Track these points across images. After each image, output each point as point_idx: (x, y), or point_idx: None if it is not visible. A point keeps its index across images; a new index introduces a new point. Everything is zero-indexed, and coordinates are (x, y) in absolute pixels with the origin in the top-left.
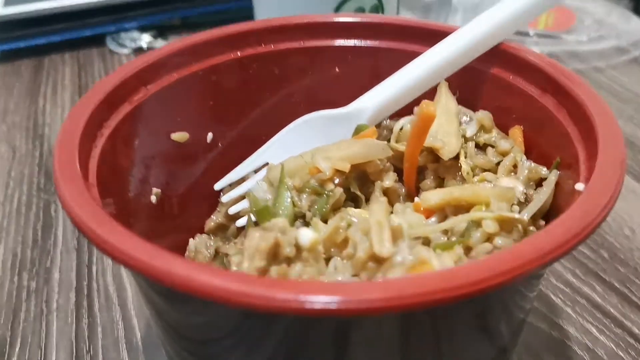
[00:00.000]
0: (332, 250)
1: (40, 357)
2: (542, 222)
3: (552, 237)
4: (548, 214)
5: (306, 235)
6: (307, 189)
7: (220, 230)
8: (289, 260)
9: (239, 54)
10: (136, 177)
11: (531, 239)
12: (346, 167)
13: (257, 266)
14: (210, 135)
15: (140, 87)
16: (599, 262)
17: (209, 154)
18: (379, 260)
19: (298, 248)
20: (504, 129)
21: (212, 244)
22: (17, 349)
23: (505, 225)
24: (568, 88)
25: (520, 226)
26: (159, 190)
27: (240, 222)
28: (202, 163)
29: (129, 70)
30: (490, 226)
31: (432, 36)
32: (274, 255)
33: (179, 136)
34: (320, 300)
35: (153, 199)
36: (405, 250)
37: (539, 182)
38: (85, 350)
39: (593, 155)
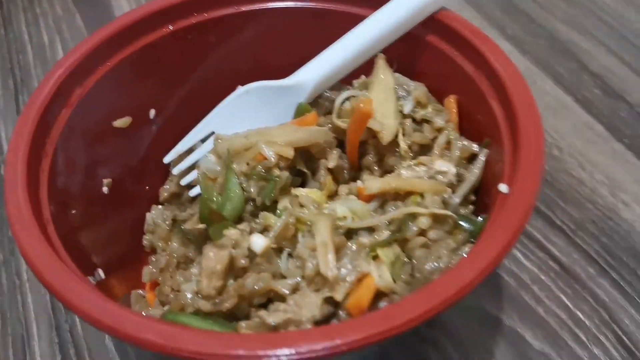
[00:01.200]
0: (283, 242)
1: (22, 330)
2: (473, 197)
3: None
4: (479, 187)
5: (258, 243)
6: (254, 175)
7: (175, 198)
8: (244, 270)
9: (171, 27)
10: (86, 177)
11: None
12: (290, 154)
13: (215, 285)
14: (152, 112)
15: (75, 88)
16: None
17: (154, 129)
18: (325, 277)
19: (251, 253)
20: (441, 96)
21: (168, 214)
22: None
23: (438, 219)
24: (496, 69)
25: (451, 221)
26: (110, 180)
27: (193, 191)
28: (148, 140)
29: (60, 74)
30: (424, 223)
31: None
32: (230, 269)
33: (122, 122)
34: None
35: (105, 189)
36: (348, 267)
37: (471, 157)
38: (64, 320)
39: (516, 146)
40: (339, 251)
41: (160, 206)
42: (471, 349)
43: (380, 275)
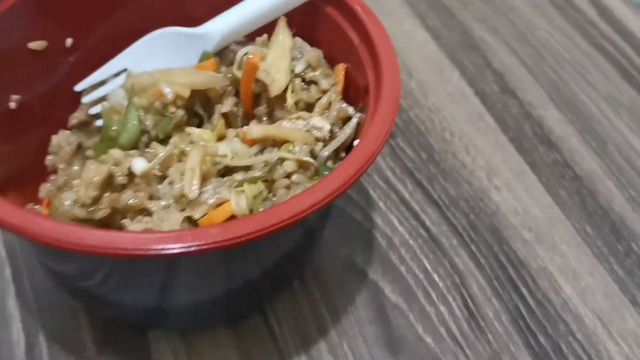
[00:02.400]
0: (167, 171)
1: None
2: (344, 154)
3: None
4: (349, 146)
5: (139, 165)
6: (152, 110)
7: (83, 127)
8: (123, 186)
9: None
10: None
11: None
12: (186, 93)
13: (91, 195)
14: (69, 41)
15: None
16: (416, 162)
17: (70, 58)
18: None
19: (132, 175)
20: (334, 63)
21: (73, 139)
22: None
23: (303, 166)
24: (375, 44)
25: (313, 168)
26: (19, 97)
27: (100, 122)
28: (63, 67)
29: None
30: (290, 166)
31: None
32: (108, 183)
33: (37, 45)
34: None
35: (13, 105)
36: (211, 191)
37: (347, 119)
38: None
39: (375, 111)
40: (206, 179)
41: (67, 131)
42: (334, 291)
43: (237, 203)
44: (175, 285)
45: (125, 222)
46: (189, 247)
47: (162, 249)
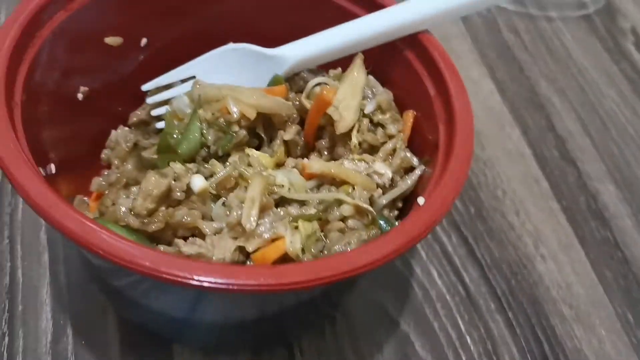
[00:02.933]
0: (222, 192)
1: None
2: (400, 204)
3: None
4: (408, 197)
5: (197, 183)
6: (215, 125)
7: (142, 125)
8: (178, 203)
9: None
10: (66, 78)
11: (353, 253)
12: (252, 115)
13: (148, 207)
14: (144, 40)
15: None
16: (464, 216)
17: (141, 57)
18: (244, 227)
19: (189, 191)
20: (403, 107)
21: (131, 137)
22: None
23: (360, 212)
24: (452, 102)
25: (370, 216)
26: (87, 89)
27: (160, 124)
28: (133, 64)
29: None
30: (347, 210)
31: (371, 2)
32: (166, 196)
33: (113, 40)
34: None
35: (80, 96)
36: (267, 225)
37: (409, 169)
38: (7, 202)
39: (445, 169)
40: (264, 211)
41: (126, 128)
42: (362, 335)
43: (292, 241)
44: (207, 308)
45: (179, 242)
46: (242, 285)
47: (217, 283)
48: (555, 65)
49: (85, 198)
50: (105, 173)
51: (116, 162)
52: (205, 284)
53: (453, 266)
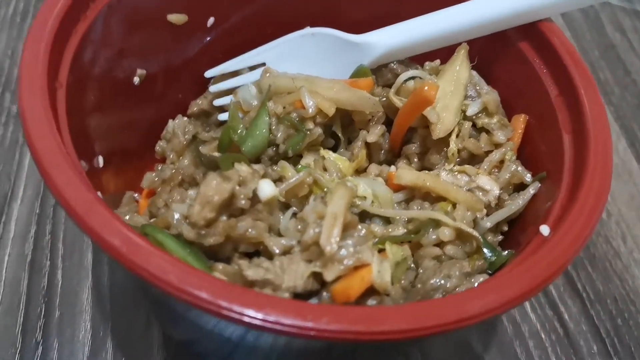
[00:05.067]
0: (292, 200)
1: (9, 188)
2: (506, 228)
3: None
4: (516, 220)
5: (266, 190)
6: (287, 121)
7: (203, 116)
8: (242, 212)
9: None
10: (121, 59)
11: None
12: (330, 111)
13: (206, 216)
14: (211, 20)
15: None
16: None
17: (206, 39)
18: (322, 249)
19: (255, 198)
20: (511, 110)
21: (190, 128)
22: None
23: (461, 237)
24: (582, 104)
25: (474, 243)
26: (144, 72)
27: (223, 116)
28: (196, 47)
29: None
30: (446, 235)
31: None
32: (228, 204)
33: (177, 18)
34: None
35: (136, 80)
36: (350, 249)
37: (520, 186)
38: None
39: (577, 188)
40: (346, 229)
41: (185, 118)
42: None
43: (379, 271)
44: (268, 341)
45: (242, 263)
46: (323, 331)
47: (292, 327)
48: None
49: (136, 195)
50: (159, 168)
51: (172, 155)
52: (278, 327)
53: (549, 298)
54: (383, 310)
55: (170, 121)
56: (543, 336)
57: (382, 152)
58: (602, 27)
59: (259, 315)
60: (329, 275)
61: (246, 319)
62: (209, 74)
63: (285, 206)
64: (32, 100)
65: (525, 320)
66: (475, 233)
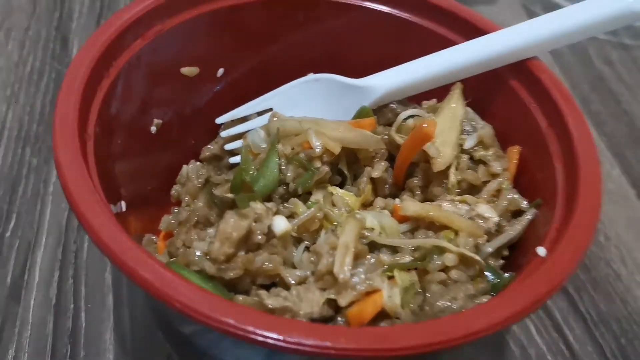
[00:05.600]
0: (304, 234)
1: (32, 238)
2: (506, 252)
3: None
4: (515, 245)
5: (280, 225)
6: (295, 161)
7: (215, 160)
8: (258, 247)
9: None
10: (140, 111)
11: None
12: (336, 150)
13: (226, 251)
14: (221, 71)
15: (156, 23)
16: None
17: (217, 88)
18: (336, 279)
19: (270, 233)
20: (505, 142)
21: (203, 172)
22: (12, 223)
23: (465, 262)
24: (571, 134)
25: (478, 267)
26: (160, 121)
27: (234, 159)
28: (207, 96)
29: (146, 5)
30: (450, 260)
31: (471, 27)
32: (245, 240)
33: (189, 70)
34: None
35: (153, 129)
36: (362, 276)
37: (517, 213)
38: (73, 240)
39: (570, 212)
40: (357, 258)
41: (198, 163)
42: None
43: (390, 296)
44: None
45: (262, 293)
46: (342, 350)
47: (314, 347)
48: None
49: (154, 237)
50: (175, 210)
51: (187, 198)
52: (301, 348)
53: (553, 321)
54: (396, 329)
55: (185, 166)
56: (550, 358)
57: (387, 186)
58: (590, 61)
59: (281, 337)
60: (343, 301)
61: (270, 341)
62: (219, 120)
63: (297, 241)
64: (66, 151)
65: (531, 344)
66: (477, 257)
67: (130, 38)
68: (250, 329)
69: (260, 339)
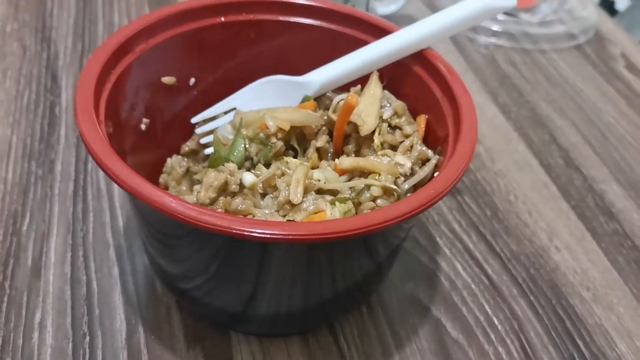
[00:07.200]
0: (268, 189)
1: (45, 229)
2: None
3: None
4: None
5: (248, 178)
6: (256, 140)
7: (193, 154)
8: (233, 194)
9: (223, 19)
10: (133, 111)
11: (388, 207)
12: (286, 127)
13: (210, 196)
14: (192, 80)
15: (141, 42)
16: (481, 217)
17: (190, 94)
18: (292, 205)
19: (241, 186)
20: (416, 113)
21: (184, 164)
22: (27, 220)
23: (387, 192)
24: (457, 98)
25: (396, 194)
26: (148, 120)
27: (208, 150)
28: (184, 101)
29: (134, 28)
30: (376, 191)
31: (379, 30)
32: (223, 189)
33: (168, 80)
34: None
35: (143, 127)
36: (310, 201)
37: (426, 161)
38: (79, 228)
39: (455, 147)
40: (306, 192)
41: (179, 156)
42: (398, 321)
43: (332, 213)
44: (258, 289)
45: None
46: (298, 235)
47: (281, 234)
48: (553, 90)
49: None
50: None
51: (172, 184)
52: (264, 236)
53: (475, 260)
54: (336, 220)
55: (169, 159)
56: (473, 287)
57: (329, 154)
58: (497, 63)
59: (256, 229)
60: (297, 218)
61: (255, 234)
62: (194, 120)
63: (263, 195)
64: (88, 124)
65: (458, 277)
66: (395, 187)
67: (123, 53)
68: (234, 226)
69: (237, 231)
